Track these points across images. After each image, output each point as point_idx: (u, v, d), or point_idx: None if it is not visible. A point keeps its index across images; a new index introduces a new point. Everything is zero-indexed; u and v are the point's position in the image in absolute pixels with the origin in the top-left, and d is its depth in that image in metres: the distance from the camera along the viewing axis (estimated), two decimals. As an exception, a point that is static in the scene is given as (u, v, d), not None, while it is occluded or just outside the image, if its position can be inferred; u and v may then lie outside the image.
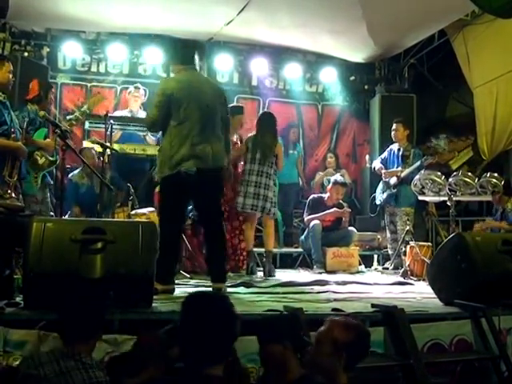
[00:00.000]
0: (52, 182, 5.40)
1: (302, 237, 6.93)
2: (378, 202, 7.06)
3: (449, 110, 9.65)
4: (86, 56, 7.81)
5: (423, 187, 6.24)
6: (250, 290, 4.66)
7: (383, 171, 6.97)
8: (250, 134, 6.05)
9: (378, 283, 5.44)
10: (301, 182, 8.16)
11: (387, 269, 6.66)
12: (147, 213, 5.48)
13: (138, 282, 3.17)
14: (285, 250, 7.48)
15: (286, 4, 6.57)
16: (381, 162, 7.06)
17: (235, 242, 5.99)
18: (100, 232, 3.19)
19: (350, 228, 6.96)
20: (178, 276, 5.25)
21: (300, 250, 7.12)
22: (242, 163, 6.02)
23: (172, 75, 4.72)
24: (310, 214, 6.79)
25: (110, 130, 6.08)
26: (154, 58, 7.89)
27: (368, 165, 8.43)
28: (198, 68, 4.61)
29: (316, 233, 6.56)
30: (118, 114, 7.05)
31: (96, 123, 6.52)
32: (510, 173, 7.92)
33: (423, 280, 5.49)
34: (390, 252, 6.87)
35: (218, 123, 4.34)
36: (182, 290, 4.44)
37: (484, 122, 7.96)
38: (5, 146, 4.36)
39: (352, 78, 8.75)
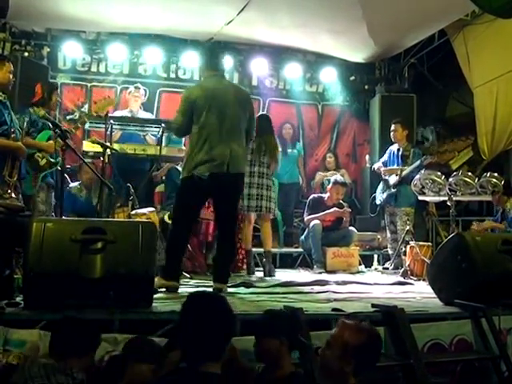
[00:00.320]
0: (54, 183, 5.40)
1: (302, 237, 6.93)
2: (378, 202, 7.07)
3: (449, 110, 9.65)
4: (86, 56, 7.82)
5: (423, 187, 6.25)
6: (250, 290, 4.67)
7: (382, 169, 6.98)
8: None
9: (378, 283, 5.44)
10: (301, 182, 8.15)
11: (387, 269, 6.66)
12: (147, 213, 5.47)
13: (138, 281, 3.18)
14: (285, 249, 7.48)
15: (286, 4, 6.57)
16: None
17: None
18: (100, 232, 3.19)
19: (350, 228, 6.97)
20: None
21: (300, 249, 7.12)
22: None
23: (202, 79, 4.90)
24: (310, 214, 6.79)
25: (110, 130, 6.10)
26: (154, 58, 7.90)
27: (368, 165, 8.43)
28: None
29: (316, 233, 6.56)
30: (118, 114, 7.05)
31: (96, 123, 6.52)
32: (510, 173, 7.92)
33: (423, 280, 5.49)
34: (390, 252, 6.88)
35: (240, 130, 4.43)
36: (182, 289, 4.44)
37: (484, 121, 7.96)
38: (5, 145, 4.36)
39: (352, 77, 8.75)
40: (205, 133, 4.31)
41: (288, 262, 7.19)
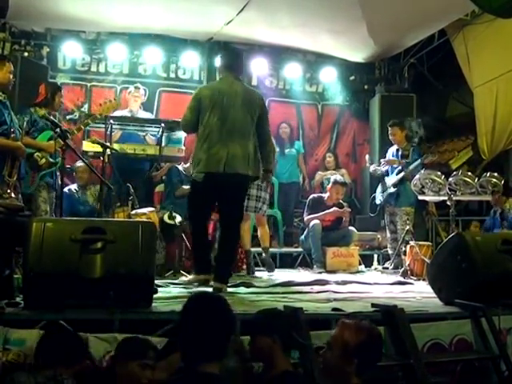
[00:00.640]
0: (53, 183, 5.40)
1: (302, 236, 6.93)
2: (377, 202, 7.06)
3: (449, 110, 9.66)
4: (86, 56, 7.81)
5: (423, 187, 6.24)
6: (250, 289, 4.66)
7: (382, 160, 6.98)
8: None
9: (378, 283, 5.44)
10: (301, 181, 8.14)
11: (387, 268, 6.66)
12: (147, 213, 5.47)
13: (138, 281, 3.17)
14: (285, 249, 7.48)
15: (285, 4, 6.57)
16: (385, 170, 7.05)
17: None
18: (100, 232, 3.19)
19: (350, 228, 6.97)
20: (177, 275, 5.28)
21: (300, 249, 7.12)
22: None
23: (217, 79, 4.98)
24: (309, 214, 6.79)
25: (109, 130, 6.10)
26: (153, 58, 7.90)
27: (368, 164, 8.42)
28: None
29: (316, 232, 6.56)
30: (117, 113, 7.05)
31: (96, 123, 6.51)
32: (509, 172, 7.93)
33: (423, 280, 5.49)
34: (389, 252, 6.87)
35: (244, 132, 4.43)
36: (181, 289, 4.45)
37: (484, 121, 7.96)
38: (4, 145, 4.36)
39: (352, 77, 8.75)
40: (206, 132, 4.39)
41: (288, 261, 7.19)
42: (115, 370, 2.53)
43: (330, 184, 6.95)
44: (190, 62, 8.10)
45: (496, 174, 6.32)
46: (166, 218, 5.57)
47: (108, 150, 5.15)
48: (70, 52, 7.63)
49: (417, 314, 3.46)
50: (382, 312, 3.26)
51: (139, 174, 6.56)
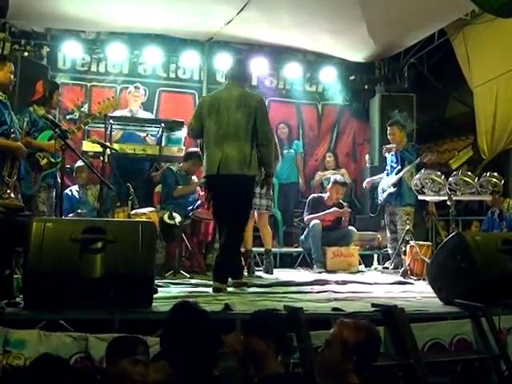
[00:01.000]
0: (53, 183, 5.40)
1: (302, 236, 6.93)
2: (378, 202, 7.06)
3: (449, 110, 9.67)
4: (86, 56, 7.81)
5: (423, 187, 6.24)
6: (250, 289, 4.66)
7: (383, 147, 7.01)
8: None
9: (378, 283, 5.44)
10: (300, 181, 8.13)
11: (387, 268, 6.65)
12: (147, 212, 5.47)
13: (138, 281, 3.17)
14: (285, 249, 7.48)
15: (285, 4, 6.57)
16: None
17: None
18: (100, 232, 3.19)
19: (350, 227, 6.97)
20: (177, 275, 5.28)
21: (300, 249, 7.12)
22: None
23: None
24: (309, 214, 6.80)
25: (109, 129, 6.09)
26: (153, 58, 7.89)
27: (368, 164, 8.44)
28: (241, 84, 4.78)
29: (316, 232, 6.56)
30: (117, 113, 7.05)
31: (96, 123, 6.51)
32: (510, 172, 7.93)
33: (423, 279, 5.49)
34: (390, 251, 6.87)
35: (239, 134, 4.52)
36: (181, 289, 4.45)
37: (484, 121, 7.96)
38: (4, 145, 4.36)
39: (352, 77, 8.75)
40: (207, 138, 4.65)
41: (288, 261, 7.19)
42: (108, 372, 2.53)
43: (330, 184, 6.95)
44: (190, 61, 8.10)
45: (496, 174, 6.32)
46: (165, 217, 5.57)
47: (108, 150, 5.15)
48: (70, 52, 7.63)
49: (417, 314, 3.46)
50: (382, 312, 3.26)
51: (139, 174, 6.56)
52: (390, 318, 3.16)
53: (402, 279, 5.77)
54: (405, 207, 6.69)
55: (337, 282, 5.27)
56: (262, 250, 6.24)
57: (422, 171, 6.32)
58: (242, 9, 6.66)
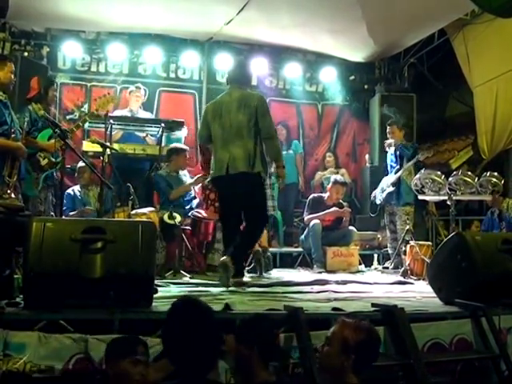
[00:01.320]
0: (52, 183, 5.41)
1: (302, 236, 6.93)
2: (378, 202, 7.06)
3: (449, 110, 9.67)
4: (86, 56, 7.81)
5: (423, 186, 6.24)
6: (250, 289, 4.66)
7: (385, 141, 7.06)
8: None
9: (378, 282, 5.44)
10: (299, 181, 8.13)
11: (387, 268, 6.66)
12: (147, 212, 5.47)
13: (138, 281, 3.17)
14: (285, 249, 7.48)
15: (285, 3, 6.58)
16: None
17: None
18: (100, 231, 3.19)
19: (350, 227, 6.96)
20: (177, 275, 5.28)
21: (300, 249, 7.12)
22: None
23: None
24: (310, 214, 6.79)
25: (109, 129, 6.09)
26: (153, 58, 7.90)
27: (368, 164, 8.44)
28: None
29: (316, 232, 6.56)
30: (118, 113, 7.05)
31: (96, 123, 6.52)
32: (510, 172, 7.92)
33: (423, 279, 5.49)
34: (389, 251, 6.88)
35: (242, 134, 4.70)
36: (181, 289, 4.45)
37: (484, 121, 7.96)
38: (5, 145, 4.36)
39: (352, 77, 8.76)
40: (214, 143, 4.86)
41: (288, 261, 7.19)
42: (107, 372, 2.52)
43: (330, 184, 6.95)
44: (190, 61, 8.10)
45: (496, 174, 6.33)
46: (165, 217, 5.57)
47: (108, 150, 5.15)
48: (70, 52, 7.64)
49: (417, 314, 3.45)
50: (382, 312, 3.26)
51: (139, 174, 6.56)
52: (390, 318, 3.16)
53: (402, 279, 5.77)
54: (404, 207, 6.69)
55: (337, 282, 5.26)
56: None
57: (422, 171, 6.32)
58: (242, 9, 6.67)
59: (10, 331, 2.71)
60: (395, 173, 6.81)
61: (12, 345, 2.69)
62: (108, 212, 5.54)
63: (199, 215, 5.96)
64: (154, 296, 3.40)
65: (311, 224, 6.63)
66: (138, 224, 3.41)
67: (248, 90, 4.98)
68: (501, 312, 3.39)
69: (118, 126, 6.59)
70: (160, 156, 6.41)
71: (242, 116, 4.70)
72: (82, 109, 7.69)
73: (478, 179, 6.23)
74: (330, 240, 6.68)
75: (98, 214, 4.85)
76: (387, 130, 7.05)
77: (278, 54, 8.38)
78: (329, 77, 8.62)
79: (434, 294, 4.07)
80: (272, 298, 4.12)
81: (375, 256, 7.27)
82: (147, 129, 6.80)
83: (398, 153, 6.87)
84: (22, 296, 3.20)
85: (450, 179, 6.11)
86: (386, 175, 7.01)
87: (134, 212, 5.46)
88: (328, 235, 6.68)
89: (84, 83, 7.85)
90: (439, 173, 6.23)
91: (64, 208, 5.52)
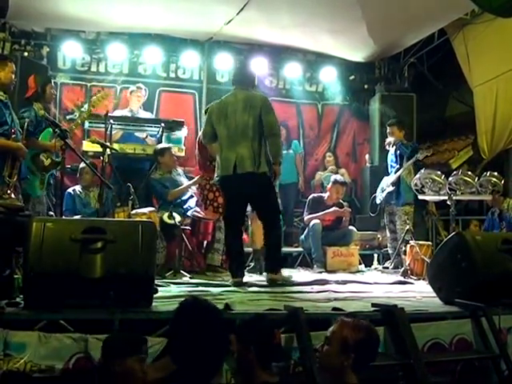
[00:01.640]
0: (52, 182, 5.41)
1: (302, 236, 6.93)
2: (377, 202, 7.06)
3: (449, 109, 9.67)
4: (86, 56, 7.82)
5: (423, 186, 6.24)
6: (250, 289, 4.66)
7: (386, 140, 7.04)
8: None
9: (378, 282, 5.44)
10: (299, 181, 8.13)
11: (387, 268, 6.66)
12: (147, 212, 5.47)
13: (139, 281, 3.17)
14: (285, 249, 7.44)
15: (285, 3, 6.58)
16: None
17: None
18: (100, 231, 3.18)
19: (350, 227, 6.96)
20: (177, 275, 5.28)
21: (300, 249, 7.12)
22: None
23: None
24: (309, 214, 6.79)
25: (109, 129, 6.09)
26: (153, 58, 7.90)
27: (368, 164, 8.44)
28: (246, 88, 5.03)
29: (316, 232, 6.56)
30: (117, 113, 7.05)
31: (96, 123, 6.52)
32: (510, 172, 7.93)
33: (423, 279, 5.49)
34: (390, 251, 6.87)
35: (248, 134, 4.80)
36: (181, 289, 4.45)
37: (484, 121, 7.96)
38: (5, 146, 4.36)
39: (352, 77, 8.76)
40: (220, 142, 4.93)
41: (288, 261, 7.17)
42: (112, 369, 2.52)
43: (330, 184, 6.95)
44: (190, 61, 8.10)
45: (496, 174, 6.33)
46: (165, 217, 5.57)
47: (108, 150, 5.15)
48: (70, 52, 7.64)
49: (417, 314, 3.45)
50: (382, 312, 3.26)
51: (139, 174, 6.55)
52: (390, 318, 3.16)
53: (402, 279, 5.77)
54: (404, 207, 6.69)
55: (337, 282, 5.27)
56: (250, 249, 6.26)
57: (422, 171, 6.32)
58: (242, 9, 6.67)
59: (10, 331, 2.72)
60: (395, 172, 6.81)
61: (12, 344, 2.69)
62: (108, 212, 5.54)
63: (198, 215, 5.95)
64: (154, 296, 3.40)
65: (311, 224, 6.63)
66: (138, 224, 3.41)
67: (252, 92, 5.05)
68: (501, 312, 3.39)
69: (118, 126, 6.59)
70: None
71: (247, 117, 4.80)
72: (82, 109, 7.67)
73: (478, 179, 6.23)
74: (330, 240, 6.68)
75: (98, 215, 4.85)
76: (387, 131, 7.06)
77: (278, 53, 8.38)
78: (329, 77, 8.62)
79: (434, 294, 4.06)
80: (272, 297, 4.12)
81: (375, 256, 7.27)
82: (147, 129, 6.79)
83: (398, 152, 6.86)
84: (22, 296, 3.20)
85: (450, 179, 6.11)
86: (387, 175, 7.01)
87: (134, 212, 5.46)
88: (328, 235, 6.68)
89: (84, 83, 7.85)
90: (439, 173, 6.23)
91: (64, 209, 5.52)
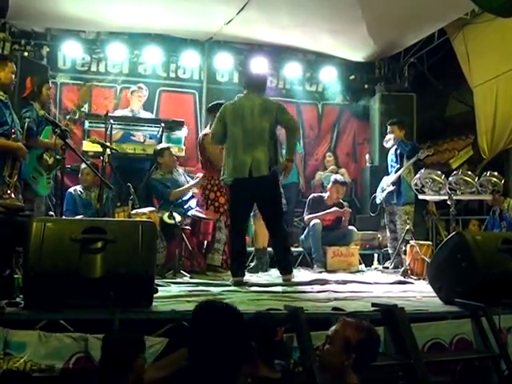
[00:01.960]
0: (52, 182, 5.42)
1: (302, 236, 6.93)
2: (378, 201, 7.06)
3: (449, 109, 9.66)
4: (86, 56, 7.81)
5: (423, 186, 6.25)
6: (251, 288, 4.66)
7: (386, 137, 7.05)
8: None
9: (379, 282, 5.44)
10: (299, 181, 8.12)
11: (387, 268, 6.66)
12: (147, 212, 5.47)
13: (139, 281, 3.17)
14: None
15: (285, 3, 6.57)
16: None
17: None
18: (100, 231, 3.19)
19: (350, 227, 6.96)
20: (177, 275, 5.28)
21: (300, 249, 7.11)
22: None
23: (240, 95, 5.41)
24: (310, 213, 6.79)
25: (110, 129, 6.09)
26: (153, 58, 7.89)
27: (368, 164, 8.44)
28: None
29: (316, 232, 6.56)
30: (118, 113, 7.05)
31: (96, 123, 6.52)
32: (510, 172, 7.92)
33: (423, 279, 5.50)
34: (390, 251, 6.87)
35: (264, 139, 4.94)
36: (181, 288, 4.45)
37: (484, 120, 7.96)
38: (5, 146, 4.36)
39: (352, 77, 8.75)
40: (232, 143, 4.99)
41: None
42: (119, 370, 2.51)
43: (330, 183, 6.95)
44: (190, 61, 8.10)
45: (496, 174, 6.33)
46: (165, 217, 5.57)
47: (108, 150, 5.15)
48: (70, 52, 7.63)
49: (417, 314, 3.46)
50: (382, 311, 3.26)
51: (139, 174, 6.55)
52: (390, 318, 3.16)
53: (402, 279, 5.77)
54: (404, 206, 6.69)
55: (337, 282, 5.26)
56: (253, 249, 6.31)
57: (422, 171, 6.33)
58: (242, 9, 6.66)
59: (10, 330, 2.72)
60: (395, 172, 6.81)
61: (12, 344, 2.69)
62: (108, 212, 5.53)
63: (199, 215, 5.95)
64: (154, 296, 3.40)
65: (311, 224, 6.63)
66: (138, 224, 3.41)
67: (266, 97, 5.24)
68: (501, 312, 3.39)
69: (118, 126, 6.58)
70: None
71: (264, 122, 4.94)
72: (82, 109, 7.69)
73: (478, 179, 6.23)
74: (330, 240, 6.68)
75: (99, 215, 4.85)
76: (387, 130, 7.06)
77: (278, 53, 8.38)
78: (329, 76, 8.61)
79: (434, 294, 4.07)
80: (272, 297, 4.13)
81: (375, 256, 7.27)
82: (147, 129, 6.79)
83: (398, 152, 6.86)
84: (22, 296, 3.20)
85: (450, 179, 6.12)
86: (387, 175, 7.01)
87: (134, 212, 5.46)
88: (328, 235, 6.68)
89: (84, 83, 7.84)
90: (439, 172, 6.23)
91: (64, 209, 5.52)
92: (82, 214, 5.85)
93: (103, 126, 6.04)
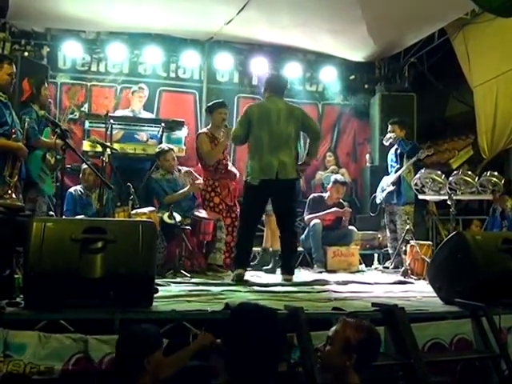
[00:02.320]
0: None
1: (303, 236, 6.93)
2: (378, 201, 7.06)
3: (449, 109, 9.66)
4: (86, 55, 7.80)
5: (423, 186, 6.25)
6: (251, 288, 4.66)
7: (386, 136, 7.03)
8: None
9: (379, 282, 5.44)
10: (301, 182, 8.11)
11: (387, 268, 6.66)
12: (148, 212, 5.47)
13: (139, 281, 3.17)
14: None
15: (285, 3, 6.57)
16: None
17: (229, 240, 5.99)
18: (100, 231, 3.19)
19: (351, 227, 6.96)
20: (177, 275, 5.28)
21: (300, 249, 7.09)
22: None
23: (263, 99, 5.52)
24: (310, 213, 6.80)
25: (110, 129, 6.09)
26: (154, 58, 7.89)
27: (368, 164, 8.44)
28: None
29: (316, 232, 6.56)
30: (119, 113, 7.05)
31: (96, 123, 6.52)
32: (510, 172, 7.92)
33: (423, 279, 5.50)
34: (390, 251, 6.87)
35: (289, 143, 5.13)
36: (181, 288, 4.45)
37: (484, 120, 7.96)
38: (5, 146, 4.37)
39: (352, 77, 8.76)
40: (257, 144, 5.10)
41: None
42: (139, 365, 2.51)
43: (331, 183, 6.95)
44: (190, 61, 8.10)
45: (496, 173, 6.33)
46: (165, 217, 5.57)
47: (108, 150, 5.15)
48: (70, 52, 7.63)
49: (417, 314, 3.46)
50: (382, 311, 3.26)
51: (139, 174, 6.55)
52: (390, 318, 3.16)
53: (402, 279, 5.78)
54: (404, 206, 6.69)
55: (337, 282, 5.27)
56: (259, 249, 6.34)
57: (422, 171, 6.32)
58: (242, 9, 6.66)
59: (10, 331, 2.72)
60: (395, 172, 6.81)
61: (12, 345, 2.69)
62: (109, 213, 5.53)
63: (199, 215, 5.95)
64: (155, 296, 3.40)
65: (311, 224, 6.64)
66: (138, 224, 3.41)
67: (288, 102, 5.40)
68: (501, 311, 3.39)
69: (119, 126, 6.58)
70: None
71: (291, 127, 5.12)
72: (82, 109, 7.68)
73: (479, 179, 6.23)
74: (331, 240, 6.68)
75: (99, 215, 4.85)
76: (388, 129, 7.06)
77: (278, 53, 8.37)
78: (329, 76, 8.61)
79: (435, 294, 4.07)
80: (272, 297, 4.12)
81: (375, 256, 7.27)
82: (147, 129, 6.79)
83: (398, 151, 6.86)
84: (22, 296, 3.20)
85: (451, 179, 6.12)
86: (387, 175, 7.01)
87: (134, 212, 5.46)
88: (328, 235, 6.68)
89: (84, 83, 7.84)
90: (439, 172, 6.24)
91: (64, 209, 5.52)
92: (82, 214, 5.86)
93: (103, 125, 6.04)
